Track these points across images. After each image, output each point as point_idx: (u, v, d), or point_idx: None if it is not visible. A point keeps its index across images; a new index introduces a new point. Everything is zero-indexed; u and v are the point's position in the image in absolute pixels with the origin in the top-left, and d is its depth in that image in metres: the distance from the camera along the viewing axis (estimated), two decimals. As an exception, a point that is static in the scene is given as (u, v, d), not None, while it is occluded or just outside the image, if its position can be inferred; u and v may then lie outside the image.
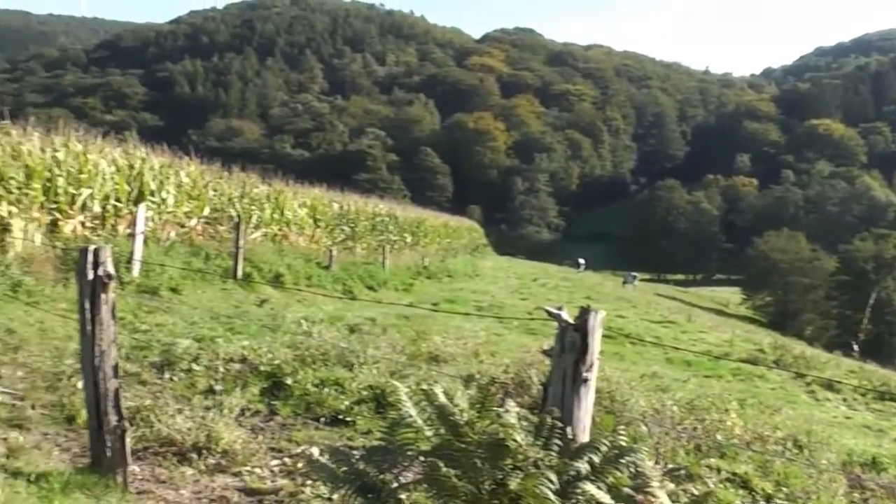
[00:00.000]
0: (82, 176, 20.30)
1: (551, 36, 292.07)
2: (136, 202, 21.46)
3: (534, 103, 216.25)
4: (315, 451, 8.07)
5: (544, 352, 7.04)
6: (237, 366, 10.90)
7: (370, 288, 30.92)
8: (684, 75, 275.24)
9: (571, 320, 6.11)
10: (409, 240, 55.80)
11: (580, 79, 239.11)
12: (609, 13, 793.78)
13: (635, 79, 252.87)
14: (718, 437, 9.82)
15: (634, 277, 79.00)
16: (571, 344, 6.05)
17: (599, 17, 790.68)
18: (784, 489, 8.92)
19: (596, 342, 6.08)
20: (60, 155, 19.96)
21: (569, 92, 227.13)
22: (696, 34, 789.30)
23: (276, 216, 32.41)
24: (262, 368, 10.78)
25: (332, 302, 22.53)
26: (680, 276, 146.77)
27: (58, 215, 19.15)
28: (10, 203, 17.29)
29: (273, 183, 35.34)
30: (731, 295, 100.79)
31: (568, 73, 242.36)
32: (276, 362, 10.97)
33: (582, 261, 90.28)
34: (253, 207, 30.28)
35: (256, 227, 29.85)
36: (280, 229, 32.49)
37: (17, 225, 17.00)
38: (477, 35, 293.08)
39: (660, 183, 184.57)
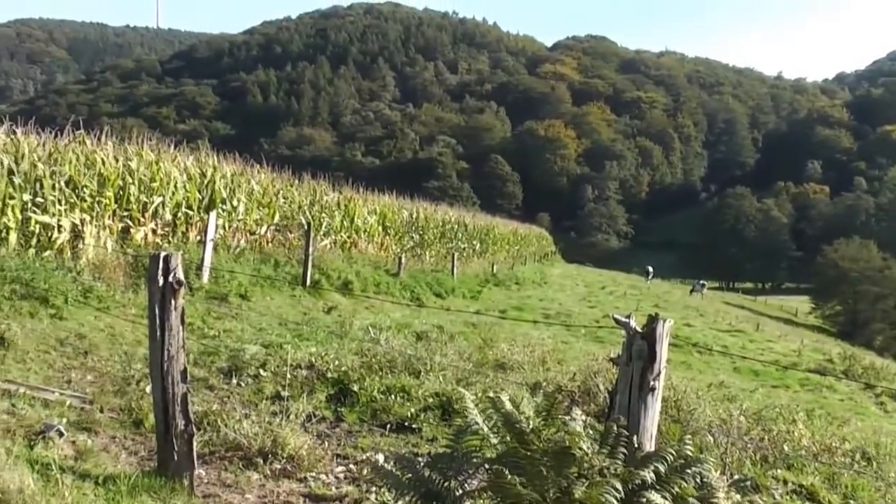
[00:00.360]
0: (154, 184, 20.53)
1: (624, 43, 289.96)
2: (207, 210, 21.65)
3: (605, 111, 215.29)
4: (380, 457, 8.08)
5: (611, 360, 7.02)
6: (304, 372, 10.94)
7: (438, 295, 30.94)
8: (756, 81, 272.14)
9: (639, 329, 6.09)
10: (477, 247, 55.84)
11: (652, 86, 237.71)
12: (683, 19, 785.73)
13: (707, 85, 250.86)
14: (785, 448, 9.67)
15: (703, 286, 78.24)
16: (639, 352, 6.02)
17: (673, 22, 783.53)
18: (852, 502, 8.78)
19: (663, 351, 6.05)
20: (133, 164, 20.19)
21: (640, 99, 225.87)
22: (769, 38, 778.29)
23: (345, 223, 32.54)
24: (329, 375, 10.81)
25: (400, 309, 22.57)
26: (748, 285, 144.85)
27: (130, 223, 19.38)
28: (83, 211, 17.55)
29: (343, 190, 35.50)
30: (799, 304, 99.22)
31: (640, 80, 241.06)
32: (343, 369, 11.00)
33: (650, 269, 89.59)
34: (323, 215, 30.42)
35: (326, 235, 30.00)
36: (349, 237, 32.62)
37: (89, 232, 17.24)
38: (549, 42, 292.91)
39: (730, 190, 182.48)
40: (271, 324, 16.01)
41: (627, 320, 6.24)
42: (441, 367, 11.95)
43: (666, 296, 60.95)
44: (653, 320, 6.08)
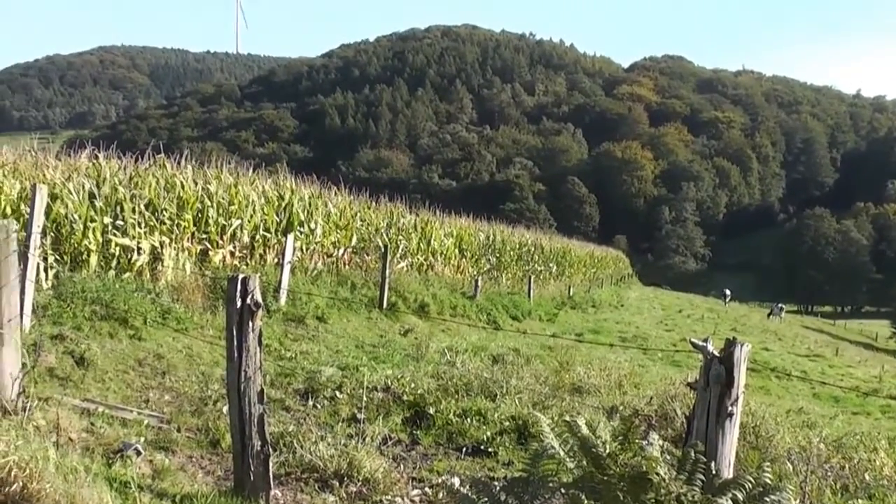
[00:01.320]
0: (233, 207, 20.72)
1: (701, 62, 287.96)
2: (285, 232, 21.78)
3: (682, 131, 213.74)
4: (456, 481, 8.04)
5: (689, 384, 6.93)
6: (380, 395, 10.96)
7: (514, 318, 30.87)
8: (835, 99, 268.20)
9: (717, 353, 6.01)
10: (554, 270, 55.65)
11: (729, 105, 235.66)
12: (760, 37, 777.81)
13: (785, 104, 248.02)
14: (867, 477, 9.45)
15: (781, 309, 77.10)
16: (716, 377, 5.94)
17: (750, 41, 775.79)
18: (935, 534, 8.55)
19: (741, 375, 5.96)
20: (212, 187, 20.40)
21: (717, 119, 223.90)
22: (848, 56, 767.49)
23: (422, 246, 32.57)
24: (405, 398, 10.81)
25: (477, 332, 22.53)
26: (828, 308, 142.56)
27: (208, 245, 19.57)
28: (162, 233, 17.76)
29: (420, 213, 35.55)
30: (880, 328, 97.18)
31: (717, 99, 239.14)
32: (420, 392, 11.00)
33: (728, 292, 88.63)
34: (400, 237, 30.48)
35: (403, 257, 30.04)
36: (426, 259, 32.64)
37: (168, 254, 17.44)
38: (626, 63, 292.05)
39: (808, 211, 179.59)
40: (348, 346, 16.08)
41: (705, 344, 6.15)
42: (517, 390, 11.90)
43: (744, 319, 60.26)
44: (730, 344, 5.99)
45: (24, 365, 7.95)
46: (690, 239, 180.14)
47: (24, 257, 10.28)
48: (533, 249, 51.05)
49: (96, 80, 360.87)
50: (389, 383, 11.33)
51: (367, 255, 27.27)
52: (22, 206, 15.07)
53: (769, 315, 74.50)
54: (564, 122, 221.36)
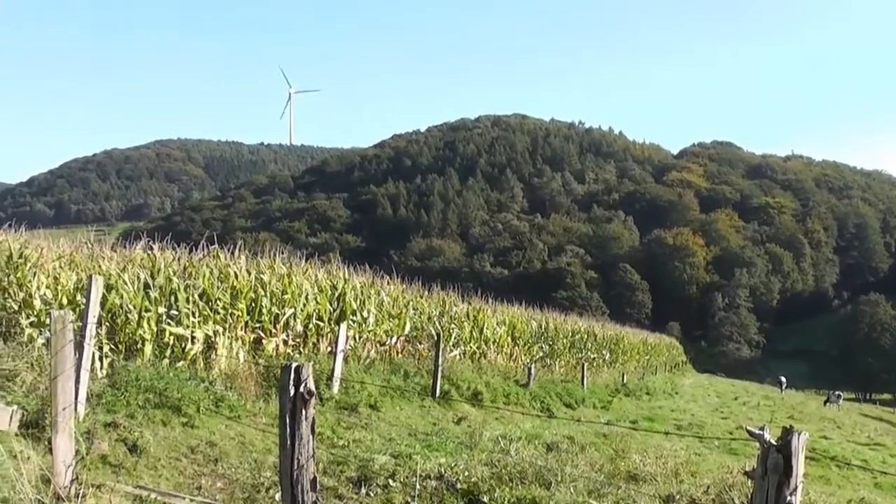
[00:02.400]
0: (286, 296, 20.84)
1: (750, 147, 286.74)
2: (338, 321, 21.85)
3: (733, 217, 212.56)
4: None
5: (746, 473, 6.84)
6: (434, 483, 10.89)
7: (568, 406, 30.65)
8: (886, 184, 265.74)
9: (774, 441, 5.94)
10: (607, 357, 55.32)
11: (779, 190, 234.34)
12: (809, 122, 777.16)
13: (836, 189, 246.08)
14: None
15: (839, 396, 75.63)
16: (774, 466, 5.86)
17: (798, 125, 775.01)
18: None
19: (800, 464, 5.88)
20: (265, 277, 20.57)
21: (768, 205, 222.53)
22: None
23: (474, 334, 32.51)
24: (458, 486, 10.75)
25: (530, 419, 22.35)
26: (886, 396, 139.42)
27: (261, 334, 19.67)
28: (216, 322, 17.88)
29: (472, 301, 35.60)
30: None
31: (767, 185, 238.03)
32: (473, 480, 10.93)
33: (783, 379, 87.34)
34: (452, 326, 30.46)
35: (455, 345, 29.99)
36: (478, 347, 32.56)
37: (222, 343, 17.54)
38: (675, 150, 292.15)
39: (863, 297, 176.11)
40: (401, 434, 16.01)
41: (761, 432, 6.09)
42: (572, 478, 11.78)
43: (800, 406, 59.34)
44: (788, 432, 5.92)
45: (77, 452, 8.01)
46: (744, 326, 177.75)
47: (79, 346, 10.41)
48: (586, 337, 50.83)
49: (152, 173, 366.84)
50: (443, 471, 11.28)
51: (420, 343, 27.27)
52: (78, 297, 15.29)
53: (826, 402, 73.20)
54: (615, 210, 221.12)
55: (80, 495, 7.63)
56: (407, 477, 10.91)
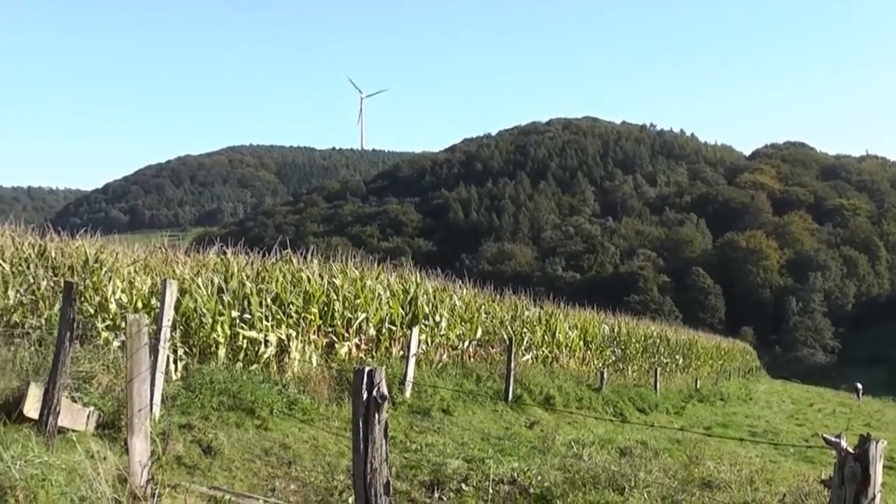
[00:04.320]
0: (358, 301, 20.91)
1: (823, 148, 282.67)
2: (410, 325, 21.88)
3: (807, 219, 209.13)
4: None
5: (822, 482, 6.75)
6: (506, 487, 10.86)
7: (641, 411, 30.44)
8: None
9: (851, 449, 5.81)
10: (680, 362, 54.82)
11: (854, 192, 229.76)
12: (884, 121, 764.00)
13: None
14: None
15: (919, 405, 74.13)
16: (851, 474, 5.75)
17: (873, 124, 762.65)
18: None
19: (878, 473, 5.76)
20: (338, 281, 20.65)
21: (842, 206, 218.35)
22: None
23: (546, 338, 32.38)
24: (531, 490, 10.71)
25: (603, 424, 22.27)
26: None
27: (334, 338, 19.75)
28: (289, 326, 18.00)
29: (544, 305, 35.47)
30: None
31: (841, 186, 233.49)
32: (546, 484, 10.88)
33: (860, 385, 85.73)
34: (524, 330, 30.37)
35: (527, 350, 29.90)
36: (551, 351, 32.43)
37: (295, 347, 17.66)
38: (747, 151, 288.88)
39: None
40: (473, 438, 15.98)
41: (838, 440, 5.97)
42: (645, 483, 11.68)
43: (877, 415, 58.18)
44: (865, 440, 5.80)
45: (153, 453, 8.09)
46: (819, 330, 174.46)
47: (154, 350, 10.52)
48: (658, 341, 50.39)
49: (225, 179, 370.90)
50: (516, 476, 11.24)
51: (492, 347, 27.22)
52: (153, 301, 15.47)
53: (905, 411, 71.83)
54: (687, 213, 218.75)
55: (156, 495, 7.71)
56: (480, 481, 10.89)
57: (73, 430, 9.59)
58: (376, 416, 6.59)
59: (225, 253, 19.97)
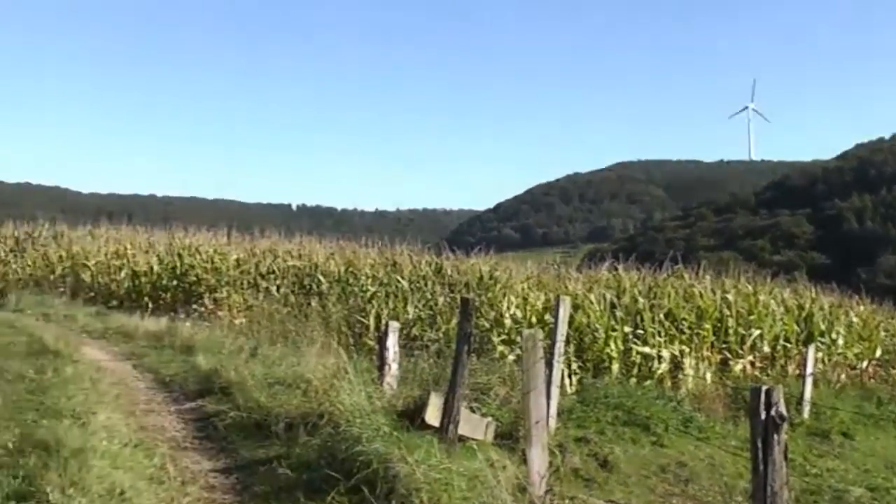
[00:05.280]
0: (752, 317, 20.50)
1: None
2: (805, 343, 21.15)
3: None
4: None
5: None
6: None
7: None
8: None
9: None
10: None
11: None
12: None
13: None
14: None
15: None
16: None
17: None
18: None
19: None
20: (730, 296, 20.37)
21: None
22: None
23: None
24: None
25: None
26: None
27: (728, 355, 19.45)
28: (681, 342, 17.91)
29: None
30: None
31: None
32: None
33: None
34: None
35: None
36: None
37: (688, 363, 17.55)
38: None
39: None
40: (877, 466, 15.19)
41: None
42: None
43: None
44: None
45: (550, 464, 8.27)
46: None
47: (548, 364, 10.76)
48: None
49: (614, 195, 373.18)
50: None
51: (893, 368, 25.81)
52: (546, 316, 15.86)
53: None
54: None
55: (555, 505, 7.88)
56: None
57: (472, 439, 9.95)
58: (775, 436, 6.42)
59: (616, 269, 20.21)
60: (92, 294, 29.25)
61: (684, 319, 18.36)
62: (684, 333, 18.19)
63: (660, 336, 17.48)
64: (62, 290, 29.28)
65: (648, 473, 11.26)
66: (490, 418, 10.96)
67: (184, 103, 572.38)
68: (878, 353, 25.26)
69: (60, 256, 32.13)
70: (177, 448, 9.96)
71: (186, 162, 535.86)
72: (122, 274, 29.13)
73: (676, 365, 17.48)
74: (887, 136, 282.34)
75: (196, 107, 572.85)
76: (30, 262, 32.81)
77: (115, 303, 27.78)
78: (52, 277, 30.93)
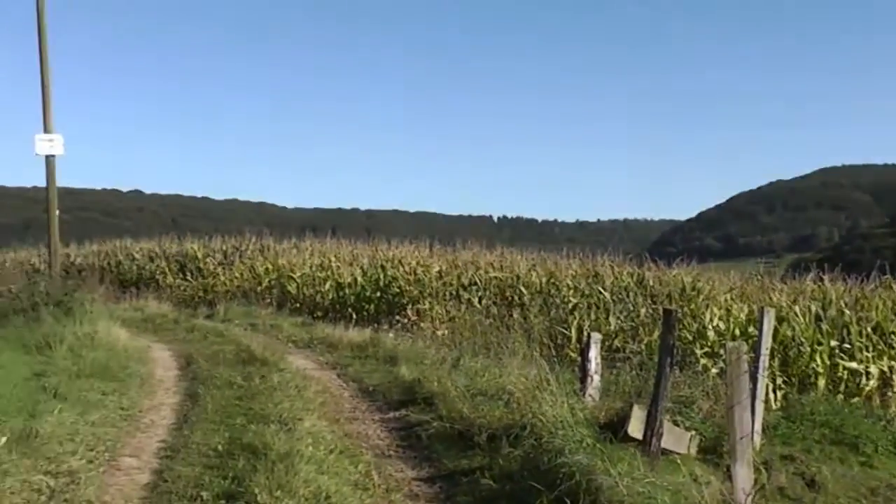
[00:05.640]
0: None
1: None
2: None
3: None
4: None
5: None
6: None
7: None
8: None
9: None
10: None
11: None
12: None
13: None
14: None
15: None
16: None
17: None
18: None
19: None
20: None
21: None
22: None
23: None
24: None
25: None
26: None
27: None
28: (891, 358, 17.28)
29: None
30: None
31: None
32: None
33: None
34: None
35: None
36: None
37: (898, 380, 16.96)
38: None
39: None
40: None
41: None
42: None
43: None
44: None
45: (756, 481, 8.16)
46: None
47: (753, 378, 10.59)
48: None
49: (818, 202, 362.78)
50: None
51: None
52: (750, 328, 15.58)
53: None
54: None
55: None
56: None
57: (675, 453, 9.89)
58: None
59: (821, 279, 19.66)
60: (297, 305, 30.05)
61: (893, 333, 17.74)
62: (894, 348, 17.56)
63: (868, 351, 16.93)
64: (268, 301, 30.15)
65: (857, 496, 10.92)
66: (693, 432, 10.87)
67: (397, 119, 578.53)
68: None
69: (267, 269, 33.08)
70: (381, 456, 10.20)
71: (390, 176, 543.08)
72: (327, 286, 29.84)
73: (885, 381, 16.89)
74: None
75: (407, 122, 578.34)
76: (237, 275, 33.88)
77: (319, 314, 28.45)
78: (258, 289, 31.87)
